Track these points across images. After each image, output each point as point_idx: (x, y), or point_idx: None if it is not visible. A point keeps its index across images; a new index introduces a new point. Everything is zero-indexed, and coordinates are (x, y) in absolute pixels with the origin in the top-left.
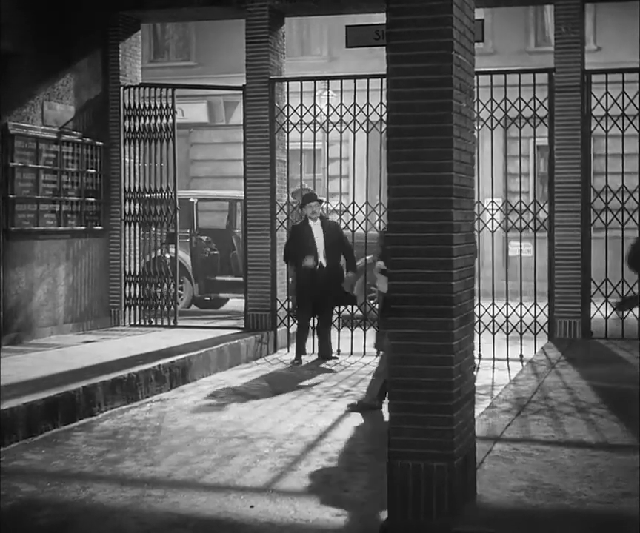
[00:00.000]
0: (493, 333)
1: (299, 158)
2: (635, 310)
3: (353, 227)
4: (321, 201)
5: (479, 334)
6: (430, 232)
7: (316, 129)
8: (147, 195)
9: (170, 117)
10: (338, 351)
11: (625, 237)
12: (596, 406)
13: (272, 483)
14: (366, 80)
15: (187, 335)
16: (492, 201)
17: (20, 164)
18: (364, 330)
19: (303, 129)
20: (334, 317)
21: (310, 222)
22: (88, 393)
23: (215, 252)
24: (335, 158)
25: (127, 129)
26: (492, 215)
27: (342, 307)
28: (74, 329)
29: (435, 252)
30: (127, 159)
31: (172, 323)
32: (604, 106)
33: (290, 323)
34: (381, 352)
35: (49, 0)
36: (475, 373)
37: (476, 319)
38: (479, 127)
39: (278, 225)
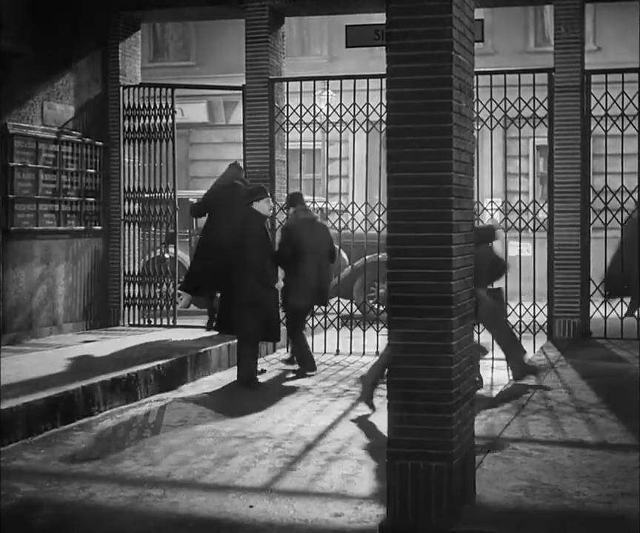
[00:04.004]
0: None
1: (299, 158)
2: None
3: (353, 227)
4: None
5: (478, 334)
6: (430, 232)
7: (316, 129)
8: (146, 195)
9: (170, 117)
10: (337, 350)
11: None
12: (595, 405)
13: (272, 483)
14: (365, 80)
15: (186, 335)
16: (492, 201)
17: (19, 164)
18: (363, 330)
19: (302, 129)
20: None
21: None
22: (87, 393)
23: None
24: (334, 158)
25: (126, 129)
26: (492, 214)
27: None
28: (73, 328)
29: (434, 251)
30: (126, 159)
31: (171, 323)
32: (604, 107)
33: None
34: None
35: (49, 0)
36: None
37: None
38: (479, 127)
39: (278, 225)
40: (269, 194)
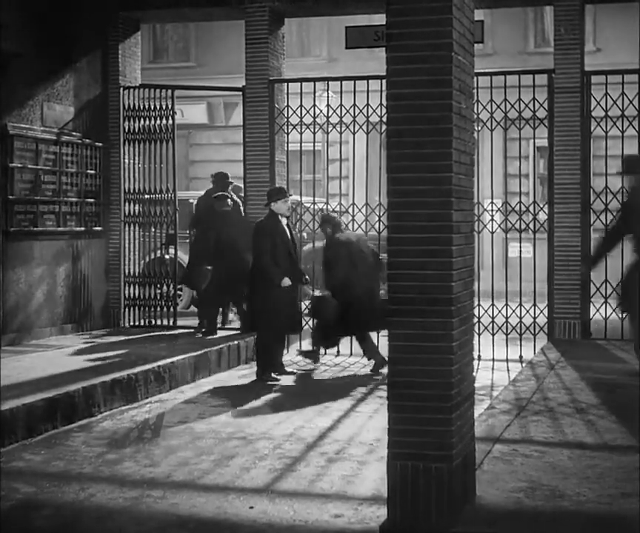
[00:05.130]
0: (493, 334)
1: (299, 159)
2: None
3: (353, 228)
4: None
5: (479, 335)
6: (430, 233)
7: (316, 130)
8: (146, 196)
9: (170, 118)
10: (338, 351)
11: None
12: (596, 406)
13: (272, 484)
14: (365, 81)
15: (185, 335)
16: (492, 202)
17: (19, 165)
18: None
19: (303, 130)
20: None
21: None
22: (87, 394)
23: None
24: (334, 159)
25: (126, 130)
26: (492, 216)
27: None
28: (73, 329)
29: (434, 252)
30: (126, 160)
31: (171, 324)
32: (604, 108)
33: None
34: None
35: (49, 0)
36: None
37: (476, 320)
38: (479, 128)
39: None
40: (287, 194)
